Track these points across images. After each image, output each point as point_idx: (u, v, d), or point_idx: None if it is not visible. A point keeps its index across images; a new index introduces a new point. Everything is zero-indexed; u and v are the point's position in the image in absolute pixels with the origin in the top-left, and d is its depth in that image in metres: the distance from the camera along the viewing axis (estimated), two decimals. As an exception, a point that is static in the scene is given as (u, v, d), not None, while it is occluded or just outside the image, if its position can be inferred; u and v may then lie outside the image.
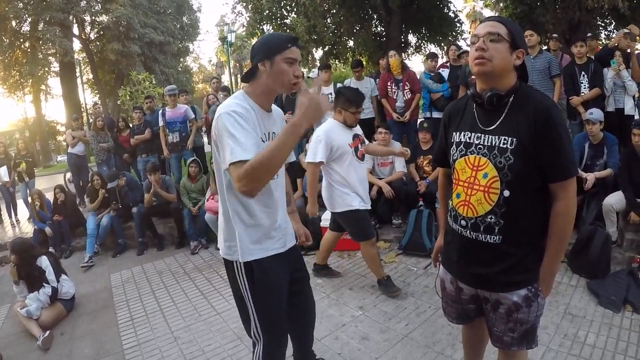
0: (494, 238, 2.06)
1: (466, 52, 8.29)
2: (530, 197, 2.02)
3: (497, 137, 2.04)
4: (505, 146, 1.99)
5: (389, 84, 7.88)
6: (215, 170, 2.52)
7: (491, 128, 2.07)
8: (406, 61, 15.55)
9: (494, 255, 2.09)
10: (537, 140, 1.92)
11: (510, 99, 2.03)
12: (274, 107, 2.68)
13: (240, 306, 2.67)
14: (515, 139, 1.97)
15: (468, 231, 2.15)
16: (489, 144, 2.06)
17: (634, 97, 6.62)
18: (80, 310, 5.57)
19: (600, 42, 15.61)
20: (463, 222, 2.17)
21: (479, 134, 2.11)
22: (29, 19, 28.99)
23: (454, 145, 2.24)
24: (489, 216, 2.06)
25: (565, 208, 2.00)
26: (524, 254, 2.07)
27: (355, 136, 4.82)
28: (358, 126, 4.91)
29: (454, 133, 2.25)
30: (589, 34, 9.41)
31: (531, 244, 2.08)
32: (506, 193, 2.00)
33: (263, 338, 2.61)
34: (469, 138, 2.15)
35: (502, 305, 2.13)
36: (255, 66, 2.43)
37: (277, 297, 2.60)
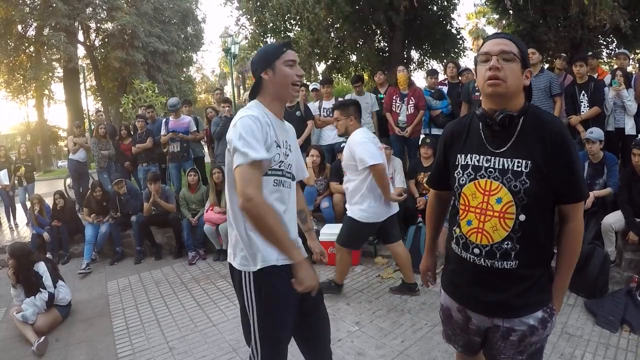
0: (510, 263, 1.96)
1: (467, 70, 8.33)
2: (544, 218, 1.97)
3: (509, 159, 1.95)
4: (519, 169, 1.91)
5: (394, 97, 7.92)
6: (227, 179, 2.53)
7: (502, 150, 1.98)
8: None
9: (510, 280, 2.00)
10: (551, 162, 1.87)
11: (521, 120, 1.96)
12: (285, 122, 2.70)
13: (243, 317, 2.61)
14: (530, 162, 1.89)
15: (482, 259, 2.02)
16: (501, 167, 1.96)
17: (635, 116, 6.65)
18: (76, 317, 5.55)
19: (602, 61, 15.69)
20: (477, 250, 2.03)
21: (489, 157, 2.00)
22: (35, 24, 29.14)
23: (459, 169, 2.10)
24: (506, 242, 1.96)
25: (578, 227, 1.99)
26: (538, 275, 2.01)
27: None
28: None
29: (459, 155, 2.12)
30: (590, 53, 9.45)
31: (544, 263, 2.04)
32: (522, 217, 1.92)
33: (261, 354, 2.51)
34: (478, 161, 2.03)
35: (515, 332, 2.04)
36: (259, 78, 2.48)
37: (282, 312, 2.50)
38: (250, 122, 2.30)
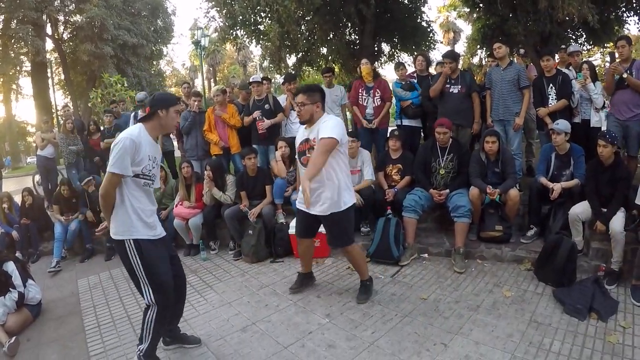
0: None
1: (440, 63, 8.39)
2: None
3: None
4: None
5: (360, 90, 7.94)
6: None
7: None
8: (379, 69, 15.62)
9: None
10: None
11: None
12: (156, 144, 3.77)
13: (132, 278, 3.68)
14: None
15: None
16: None
17: (601, 109, 6.75)
18: (47, 316, 5.49)
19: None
20: None
21: None
22: (2, 17, 28.52)
23: None
24: None
25: None
26: None
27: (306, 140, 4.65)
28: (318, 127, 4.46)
29: None
30: (562, 46, 9.56)
31: None
32: None
33: (156, 301, 3.58)
34: None
35: None
36: (155, 112, 3.58)
37: (163, 264, 3.67)
38: (129, 145, 3.37)
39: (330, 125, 4.33)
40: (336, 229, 4.73)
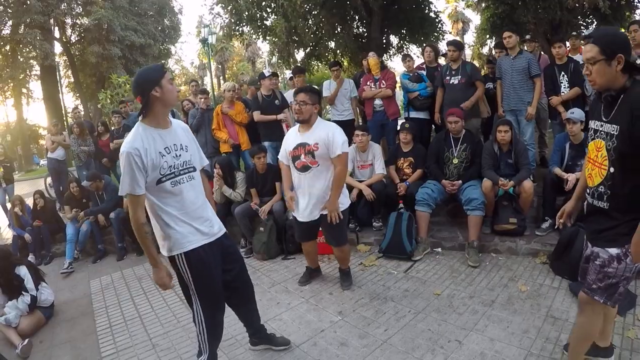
0: (603, 204, 2.66)
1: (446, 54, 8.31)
2: (629, 175, 2.51)
3: (610, 125, 2.55)
4: (612, 132, 2.52)
5: (368, 83, 7.93)
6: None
7: (608, 119, 2.58)
8: (388, 62, 15.51)
9: (603, 218, 2.68)
10: (632, 126, 2.38)
11: (622, 96, 2.51)
12: (173, 120, 3.26)
13: (182, 287, 3.42)
14: (618, 127, 2.48)
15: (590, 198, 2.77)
16: (606, 130, 2.59)
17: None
18: (60, 318, 5.53)
19: (584, 42, 15.79)
20: (587, 191, 2.81)
21: (602, 123, 2.64)
22: (10, 22, 28.67)
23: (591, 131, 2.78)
24: (600, 187, 2.66)
25: None
26: (624, 220, 2.55)
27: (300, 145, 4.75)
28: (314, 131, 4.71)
29: (590, 121, 2.80)
30: (574, 33, 9.44)
31: (630, 213, 2.53)
32: (611, 169, 2.55)
33: (203, 310, 3.37)
34: (596, 125, 2.71)
35: (599, 258, 2.69)
36: (148, 97, 2.95)
37: (214, 273, 3.34)
38: (127, 161, 2.87)
39: (341, 141, 4.58)
40: (335, 230, 4.91)
